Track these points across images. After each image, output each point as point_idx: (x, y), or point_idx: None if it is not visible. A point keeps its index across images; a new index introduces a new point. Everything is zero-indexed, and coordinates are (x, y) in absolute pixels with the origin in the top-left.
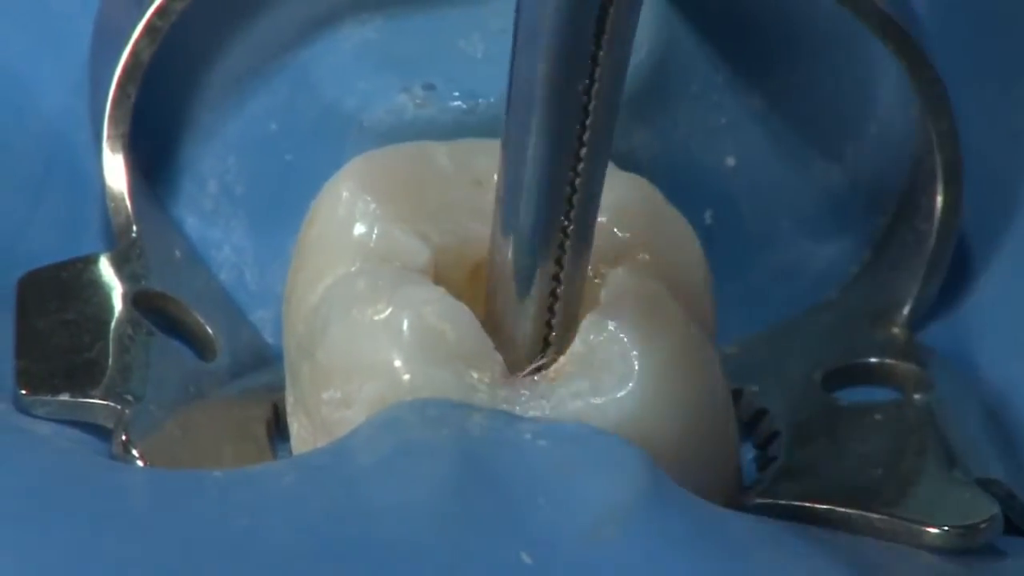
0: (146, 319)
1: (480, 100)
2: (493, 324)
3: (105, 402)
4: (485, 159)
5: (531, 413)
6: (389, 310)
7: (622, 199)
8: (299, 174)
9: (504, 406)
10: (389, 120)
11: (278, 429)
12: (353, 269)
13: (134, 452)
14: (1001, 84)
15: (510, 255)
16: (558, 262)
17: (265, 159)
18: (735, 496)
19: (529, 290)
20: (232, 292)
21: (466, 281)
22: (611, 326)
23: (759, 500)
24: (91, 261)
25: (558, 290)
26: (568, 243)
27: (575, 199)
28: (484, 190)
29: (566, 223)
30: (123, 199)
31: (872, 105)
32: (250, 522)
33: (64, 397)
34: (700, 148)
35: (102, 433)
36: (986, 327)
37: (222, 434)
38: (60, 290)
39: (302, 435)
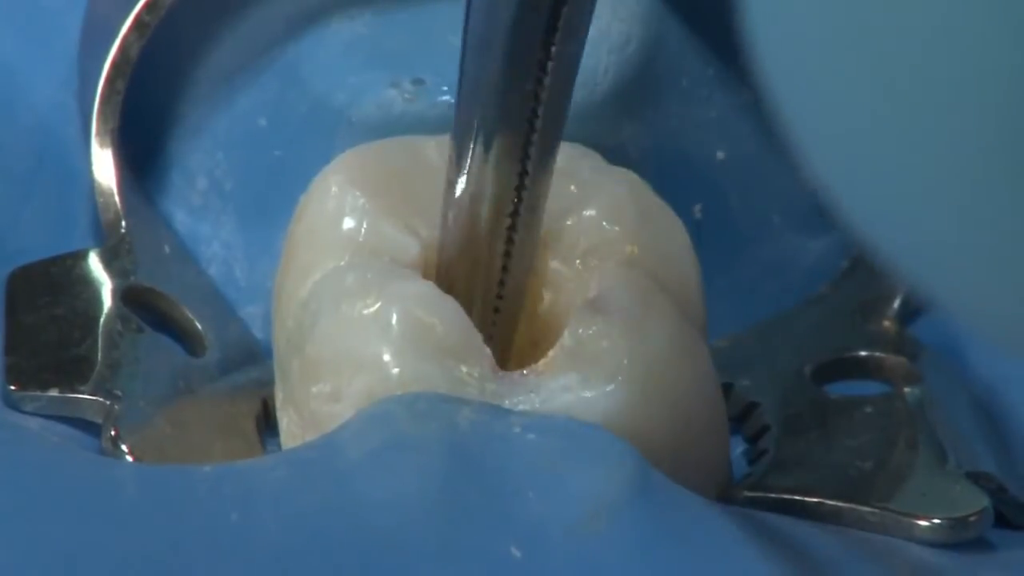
0: (135, 314)
1: None
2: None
3: (94, 397)
4: None
5: (520, 407)
6: (378, 304)
7: (611, 193)
8: (288, 169)
9: (493, 400)
10: (378, 115)
11: (267, 424)
12: (342, 263)
13: (123, 447)
14: None
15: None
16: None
17: (254, 154)
18: (725, 489)
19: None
20: (221, 287)
21: None
22: (600, 320)
23: (749, 493)
24: (80, 257)
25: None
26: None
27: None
28: None
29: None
30: (112, 194)
31: None
32: (240, 516)
33: (53, 392)
34: (690, 142)
35: (91, 429)
36: None
37: (211, 429)
38: (49, 285)
39: (291, 430)
